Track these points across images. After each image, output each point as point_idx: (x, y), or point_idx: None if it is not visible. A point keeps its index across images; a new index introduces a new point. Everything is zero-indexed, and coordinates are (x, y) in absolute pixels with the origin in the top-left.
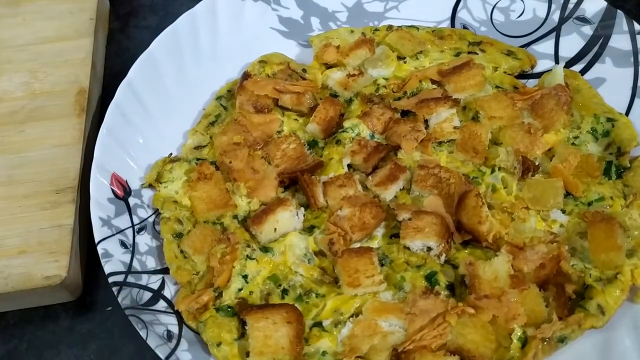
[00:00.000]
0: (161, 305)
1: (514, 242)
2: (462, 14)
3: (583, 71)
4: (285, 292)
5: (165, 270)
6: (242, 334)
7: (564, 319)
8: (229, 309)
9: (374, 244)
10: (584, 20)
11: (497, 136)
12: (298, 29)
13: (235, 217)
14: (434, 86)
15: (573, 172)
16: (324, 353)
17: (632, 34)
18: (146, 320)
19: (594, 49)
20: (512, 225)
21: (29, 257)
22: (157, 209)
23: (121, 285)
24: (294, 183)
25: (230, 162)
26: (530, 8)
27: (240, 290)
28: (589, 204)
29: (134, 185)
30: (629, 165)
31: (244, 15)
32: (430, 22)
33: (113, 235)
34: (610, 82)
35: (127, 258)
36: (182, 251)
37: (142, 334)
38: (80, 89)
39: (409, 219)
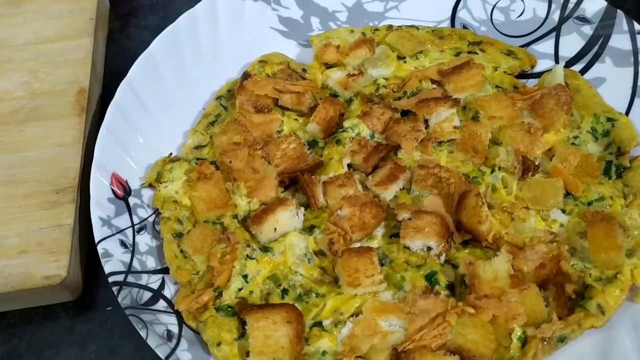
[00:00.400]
0: (161, 305)
1: (514, 241)
2: (462, 13)
3: (583, 71)
4: (285, 292)
5: (165, 270)
6: (242, 334)
7: (564, 318)
8: (229, 309)
9: (374, 243)
10: (584, 20)
11: (497, 136)
12: (298, 29)
13: (235, 217)
14: (434, 86)
15: (573, 172)
16: (324, 353)
17: (632, 34)
18: (146, 320)
19: (594, 48)
20: (512, 225)
21: (29, 257)
22: (157, 209)
23: (121, 285)
24: (294, 183)
25: (230, 162)
26: (530, 8)
27: (240, 290)
28: (589, 203)
29: (134, 185)
30: (629, 165)
31: (244, 15)
32: (430, 22)
33: (113, 235)
34: (610, 82)
35: (127, 258)
36: (182, 251)
37: (142, 333)
38: (80, 89)
39: (409, 219)
